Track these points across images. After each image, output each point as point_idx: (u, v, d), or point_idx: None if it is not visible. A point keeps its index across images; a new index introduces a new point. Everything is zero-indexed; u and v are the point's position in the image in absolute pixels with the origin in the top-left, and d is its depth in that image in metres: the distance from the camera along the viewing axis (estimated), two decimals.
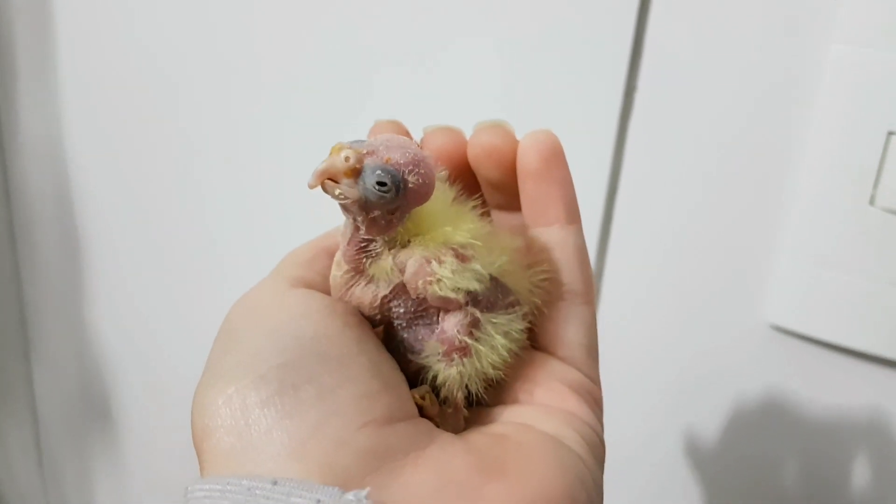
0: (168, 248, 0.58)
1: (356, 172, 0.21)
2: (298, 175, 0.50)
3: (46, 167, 0.60)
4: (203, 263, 0.57)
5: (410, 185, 0.22)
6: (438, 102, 0.44)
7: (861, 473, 0.41)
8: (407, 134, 0.26)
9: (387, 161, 0.21)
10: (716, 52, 0.38)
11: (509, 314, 0.24)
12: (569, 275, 0.25)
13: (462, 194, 0.25)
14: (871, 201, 0.36)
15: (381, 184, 0.21)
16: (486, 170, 0.25)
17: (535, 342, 0.25)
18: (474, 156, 0.25)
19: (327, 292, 0.24)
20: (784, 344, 0.40)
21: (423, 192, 0.22)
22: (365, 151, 0.21)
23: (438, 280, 0.22)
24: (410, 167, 0.21)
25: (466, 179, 0.26)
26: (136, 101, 0.54)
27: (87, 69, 0.55)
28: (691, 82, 0.39)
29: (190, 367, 0.60)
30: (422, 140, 0.26)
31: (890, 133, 0.35)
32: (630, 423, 0.45)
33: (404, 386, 0.22)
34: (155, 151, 0.55)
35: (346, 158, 0.21)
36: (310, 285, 0.24)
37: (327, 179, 0.21)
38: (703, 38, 0.38)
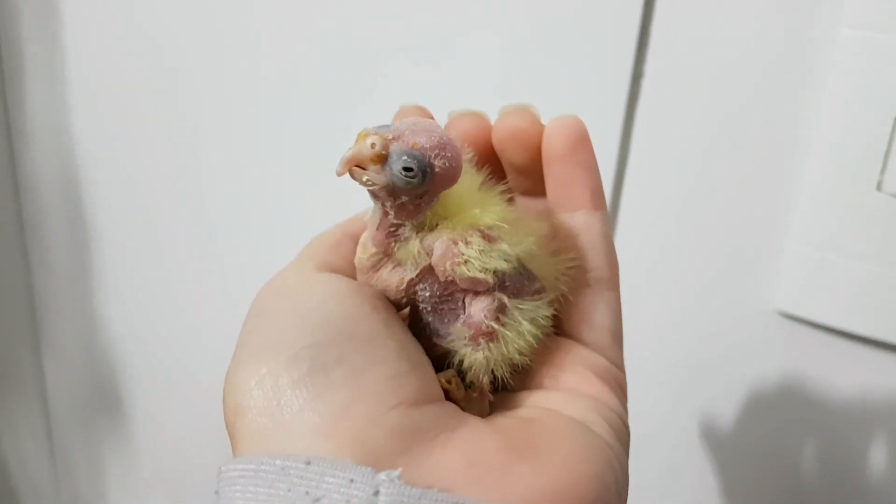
0: (176, 240, 0.58)
1: (383, 159, 0.21)
2: (307, 165, 0.50)
3: (55, 160, 0.59)
4: (211, 255, 0.57)
5: (437, 170, 0.21)
6: (443, 91, 0.44)
7: (872, 459, 0.41)
8: (431, 118, 0.26)
9: (413, 146, 0.21)
10: (723, 38, 0.37)
11: (536, 301, 0.23)
12: (594, 261, 0.25)
13: (489, 179, 0.24)
14: (879, 186, 0.36)
15: (407, 169, 0.21)
16: (511, 154, 0.25)
17: (560, 328, 0.25)
18: (499, 140, 0.25)
19: (352, 276, 0.24)
20: (792, 330, 0.40)
21: (450, 176, 0.22)
22: (391, 137, 0.21)
23: (466, 261, 0.22)
24: (437, 151, 0.21)
25: (492, 165, 0.26)
26: (144, 94, 0.54)
27: (95, 62, 0.55)
28: (698, 68, 0.38)
29: (198, 357, 0.60)
30: (446, 125, 0.26)
31: None
32: (637, 408, 0.45)
33: (431, 369, 0.22)
34: (163, 144, 0.55)
35: (373, 145, 0.21)
36: (335, 269, 0.24)
37: (354, 166, 0.21)
38: (709, 24, 0.37)
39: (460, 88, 0.43)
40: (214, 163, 0.54)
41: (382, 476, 0.18)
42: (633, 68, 0.39)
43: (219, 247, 0.56)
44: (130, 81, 0.54)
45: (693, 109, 0.39)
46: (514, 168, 0.26)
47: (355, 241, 0.25)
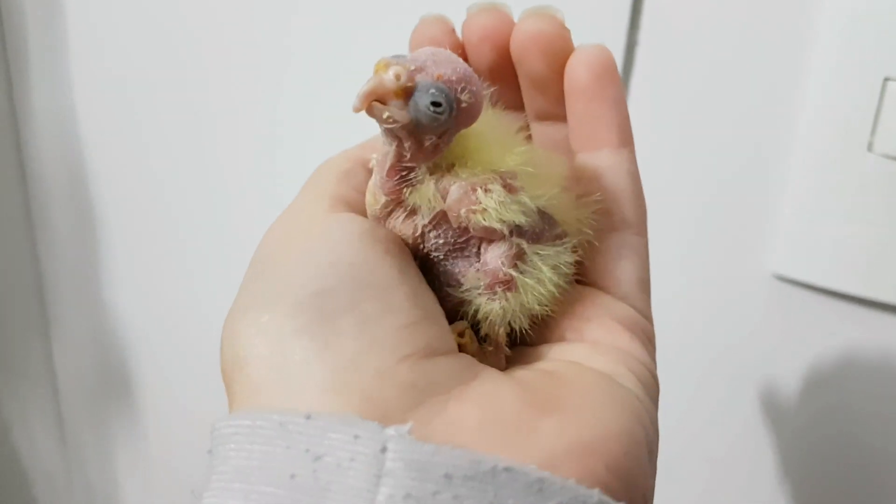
0: (184, 227, 0.56)
1: (408, 92, 0.18)
2: (314, 147, 0.48)
3: (61, 148, 0.57)
4: (219, 241, 0.55)
5: (463, 105, 0.18)
6: None
7: (870, 420, 0.39)
8: (452, 31, 0.22)
9: (438, 78, 0.18)
10: (715, 6, 0.36)
11: (557, 246, 0.20)
12: (621, 204, 0.22)
13: (505, 109, 0.21)
14: (870, 147, 0.34)
15: (435, 104, 0.18)
16: (530, 62, 0.21)
17: (583, 276, 0.22)
18: (518, 43, 0.21)
19: (364, 210, 0.21)
20: (786, 292, 0.38)
21: (473, 113, 0.19)
22: (413, 68, 0.18)
23: (483, 210, 0.19)
24: (462, 84, 0.18)
25: (506, 80, 0.22)
26: (150, 82, 0.52)
27: (101, 50, 0.53)
28: (691, 36, 0.36)
29: (208, 343, 0.58)
30: (464, 23, 0.22)
31: (887, 79, 0.33)
32: None
33: (444, 318, 0.20)
34: (169, 130, 0.53)
35: (397, 76, 0.18)
36: (348, 203, 0.21)
37: (374, 101, 0.18)
38: None
39: None
40: (221, 149, 0.51)
41: (391, 431, 0.15)
42: (627, 37, 0.37)
43: (226, 232, 0.54)
44: (136, 69, 0.52)
45: (686, 77, 0.37)
46: (531, 82, 0.22)
47: (366, 169, 0.22)
